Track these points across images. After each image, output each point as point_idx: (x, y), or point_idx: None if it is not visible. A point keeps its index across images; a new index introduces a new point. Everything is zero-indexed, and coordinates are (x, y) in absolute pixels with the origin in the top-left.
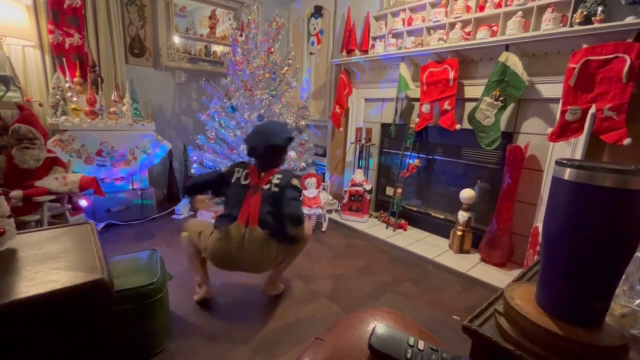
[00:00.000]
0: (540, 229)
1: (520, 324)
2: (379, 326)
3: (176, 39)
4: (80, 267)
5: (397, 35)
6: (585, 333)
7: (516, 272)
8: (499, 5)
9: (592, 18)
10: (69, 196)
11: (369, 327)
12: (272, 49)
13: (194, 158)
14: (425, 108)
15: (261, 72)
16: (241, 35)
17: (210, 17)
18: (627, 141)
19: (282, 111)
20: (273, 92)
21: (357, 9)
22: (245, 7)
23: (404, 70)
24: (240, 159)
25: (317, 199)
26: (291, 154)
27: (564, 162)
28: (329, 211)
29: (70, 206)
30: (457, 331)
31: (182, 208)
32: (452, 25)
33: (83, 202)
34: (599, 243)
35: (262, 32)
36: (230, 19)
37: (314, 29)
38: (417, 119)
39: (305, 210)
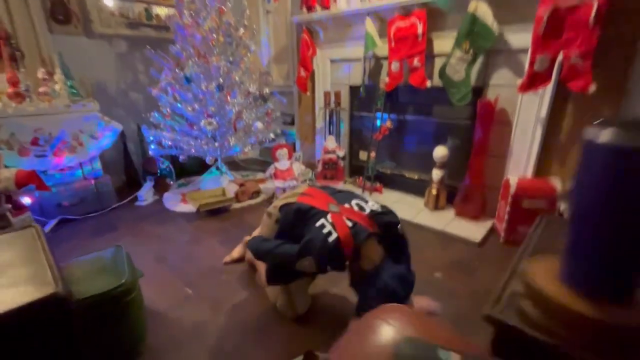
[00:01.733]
0: (511, 181)
1: (549, 307)
2: (402, 346)
3: (110, 3)
4: (28, 281)
5: None
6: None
7: (489, 223)
8: None
9: None
10: (7, 195)
11: (384, 338)
12: (224, 9)
13: (151, 138)
14: (395, 66)
15: (214, 35)
16: None
17: None
18: (592, 88)
19: (242, 79)
20: (230, 58)
21: None
22: None
23: (370, 26)
24: (202, 135)
25: (290, 171)
26: (258, 124)
27: (601, 122)
28: (304, 181)
29: (10, 206)
30: (440, 288)
31: (146, 193)
32: None
33: (26, 200)
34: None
35: None
36: None
37: None
38: (387, 79)
39: (279, 183)
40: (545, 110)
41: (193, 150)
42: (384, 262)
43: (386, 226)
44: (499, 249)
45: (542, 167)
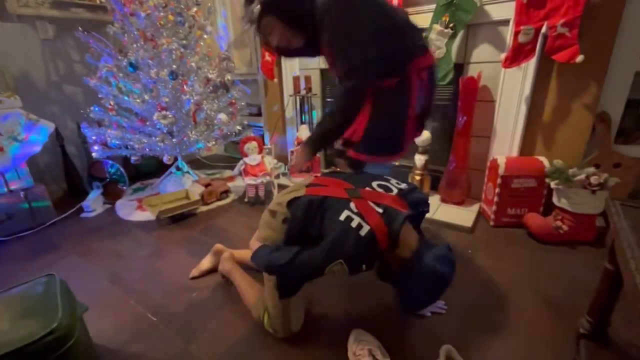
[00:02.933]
0: (499, 161)
1: None
2: None
3: None
4: None
5: None
6: None
7: (476, 207)
8: None
9: None
10: None
11: None
12: None
13: (93, 138)
14: None
15: (162, 13)
16: None
17: None
18: (580, 58)
19: (200, 64)
20: (184, 41)
21: None
22: None
23: None
24: (157, 131)
25: (261, 166)
26: (221, 116)
27: None
28: (277, 176)
29: None
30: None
31: (93, 202)
32: None
33: None
34: None
35: None
36: None
37: None
38: None
39: (250, 180)
40: (529, 86)
41: (147, 150)
42: (421, 246)
43: (417, 205)
44: (490, 233)
45: (526, 146)
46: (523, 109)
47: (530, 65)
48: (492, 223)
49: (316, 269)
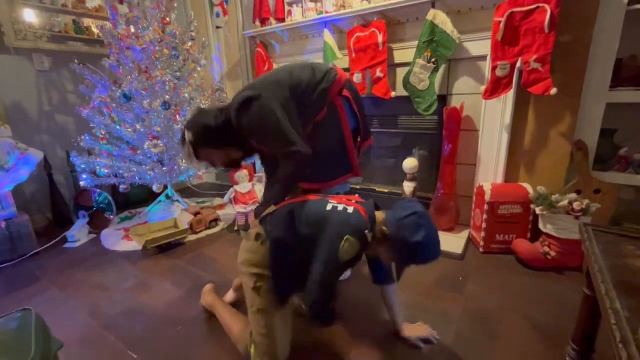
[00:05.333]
0: (485, 187)
1: None
2: None
3: (28, 13)
4: None
5: None
6: None
7: (465, 234)
8: None
9: None
10: None
11: None
12: (168, 19)
13: (82, 166)
14: (357, 78)
15: (158, 48)
16: (121, 2)
17: None
18: (553, 91)
19: (193, 95)
20: (178, 73)
21: None
22: None
23: (329, 37)
24: (148, 160)
25: (252, 194)
26: None
27: None
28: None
29: None
30: (431, 311)
31: (78, 232)
32: None
33: None
34: None
35: None
36: None
37: None
38: None
39: (240, 208)
40: (509, 116)
41: (137, 178)
42: (388, 216)
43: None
44: (480, 260)
45: (511, 173)
46: (505, 138)
47: (509, 97)
48: (481, 249)
49: (332, 259)
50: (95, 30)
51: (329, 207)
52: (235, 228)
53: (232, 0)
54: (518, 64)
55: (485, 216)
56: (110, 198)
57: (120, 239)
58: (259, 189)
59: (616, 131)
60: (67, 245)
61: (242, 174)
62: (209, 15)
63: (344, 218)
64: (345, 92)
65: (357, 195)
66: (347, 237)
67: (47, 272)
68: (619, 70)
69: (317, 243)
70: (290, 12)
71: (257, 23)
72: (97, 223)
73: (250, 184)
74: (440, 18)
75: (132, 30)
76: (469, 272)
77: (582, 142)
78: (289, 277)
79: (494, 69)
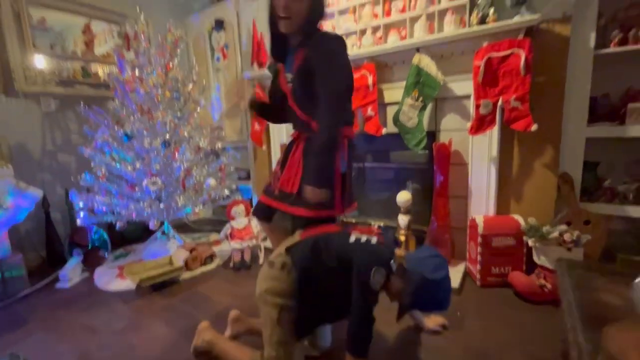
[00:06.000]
0: (477, 220)
1: None
2: None
3: (39, 60)
4: None
5: None
6: None
7: (462, 267)
8: (403, 10)
9: (487, 19)
10: None
11: None
12: (171, 65)
13: (80, 205)
14: None
15: (160, 91)
16: (128, 49)
17: (84, 32)
18: (534, 127)
19: (192, 134)
20: (178, 114)
21: (263, 20)
22: (129, 19)
23: None
24: (145, 196)
25: (248, 229)
26: (210, 181)
27: None
28: (264, 239)
29: None
30: (430, 349)
31: (71, 271)
32: (362, 32)
33: None
34: None
35: (156, 45)
36: (114, 37)
37: (218, 43)
38: None
39: (236, 244)
40: (495, 150)
41: (134, 215)
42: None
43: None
44: (478, 294)
45: (502, 205)
46: (493, 171)
47: (494, 132)
48: (478, 283)
49: (367, 289)
50: (102, 75)
51: (352, 238)
52: (231, 265)
53: (232, 46)
54: (499, 102)
55: (479, 249)
56: (105, 235)
57: (113, 277)
58: (255, 224)
59: (598, 164)
60: (59, 285)
61: (239, 208)
62: (210, 59)
63: (371, 249)
64: (346, 142)
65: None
66: (375, 267)
67: (36, 315)
68: (595, 108)
69: (343, 275)
70: None
71: (255, 65)
72: (91, 261)
73: (247, 219)
74: (424, 61)
75: (137, 73)
76: (467, 306)
77: (568, 175)
78: (313, 309)
79: (477, 107)
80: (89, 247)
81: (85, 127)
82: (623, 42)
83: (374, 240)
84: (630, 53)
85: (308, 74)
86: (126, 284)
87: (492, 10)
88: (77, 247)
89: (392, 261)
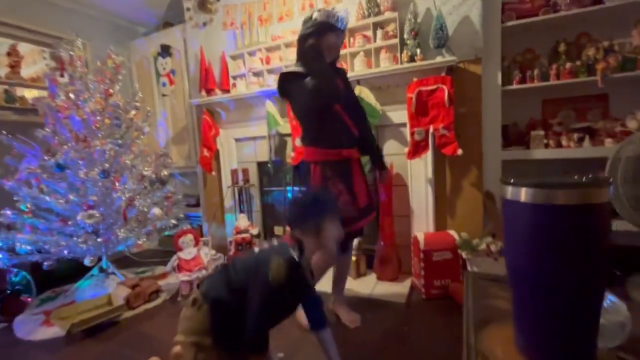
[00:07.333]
0: (419, 237)
1: None
2: None
3: None
4: None
5: (258, 74)
6: None
7: (408, 282)
8: (344, 46)
9: (415, 57)
10: None
11: None
12: (111, 91)
13: None
14: (298, 142)
15: (99, 117)
16: (62, 75)
17: (9, 54)
18: (460, 152)
19: (134, 162)
20: (120, 141)
21: (211, 48)
22: (64, 42)
23: (271, 107)
24: (80, 230)
25: (197, 259)
26: (155, 211)
27: (514, 182)
28: (216, 269)
29: None
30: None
31: None
32: None
33: None
34: (574, 267)
35: (94, 71)
36: (46, 59)
37: (164, 69)
38: (293, 154)
39: (184, 276)
40: (431, 172)
41: (66, 252)
42: None
43: None
44: (423, 306)
45: (439, 222)
46: (430, 191)
47: (429, 156)
48: (423, 296)
49: (264, 284)
50: (31, 95)
51: (256, 249)
52: (179, 298)
53: (179, 72)
54: (430, 130)
55: (422, 264)
56: (29, 277)
57: (37, 325)
58: (205, 254)
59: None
60: None
61: (187, 238)
62: (155, 84)
63: (269, 248)
64: None
65: None
66: (273, 257)
67: None
68: (507, 134)
69: (250, 285)
70: (234, 84)
71: (203, 92)
72: (10, 309)
73: (195, 249)
74: (365, 92)
75: (72, 97)
76: (414, 319)
77: (490, 192)
78: (230, 335)
79: (412, 134)
80: (8, 293)
81: (7, 158)
82: (522, 80)
83: (275, 241)
84: (528, 90)
85: None
86: (53, 331)
87: (419, 51)
88: None
89: (292, 250)
